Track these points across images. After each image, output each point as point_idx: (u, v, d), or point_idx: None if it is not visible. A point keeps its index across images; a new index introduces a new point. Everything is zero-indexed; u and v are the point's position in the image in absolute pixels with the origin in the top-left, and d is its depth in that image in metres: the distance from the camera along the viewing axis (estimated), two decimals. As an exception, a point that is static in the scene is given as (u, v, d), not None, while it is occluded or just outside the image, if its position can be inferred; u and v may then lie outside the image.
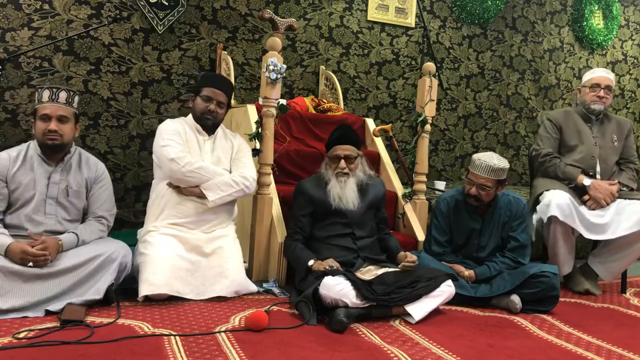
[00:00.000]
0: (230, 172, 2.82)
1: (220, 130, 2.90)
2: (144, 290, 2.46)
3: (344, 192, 2.72)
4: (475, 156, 2.85)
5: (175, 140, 2.71)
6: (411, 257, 2.67)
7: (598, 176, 3.23)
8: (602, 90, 3.27)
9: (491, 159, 2.79)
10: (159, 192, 2.75)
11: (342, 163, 2.74)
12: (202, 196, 2.69)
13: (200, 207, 2.71)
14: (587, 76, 3.37)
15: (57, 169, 2.49)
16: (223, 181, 2.72)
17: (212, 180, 2.69)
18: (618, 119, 3.42)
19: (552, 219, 2.98)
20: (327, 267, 2.49)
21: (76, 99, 2.54)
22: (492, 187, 2.81)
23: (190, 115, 2.88)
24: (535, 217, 3.15)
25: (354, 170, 2.77)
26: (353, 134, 2.84)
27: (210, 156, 2.81)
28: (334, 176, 2.75)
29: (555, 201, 2.97)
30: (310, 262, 2.58)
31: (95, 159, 2.67)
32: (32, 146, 2.52)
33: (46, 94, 2.45)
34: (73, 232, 2.43)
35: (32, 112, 2.54)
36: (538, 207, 3.08)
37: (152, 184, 2.84)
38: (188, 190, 2.70)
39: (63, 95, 2.47)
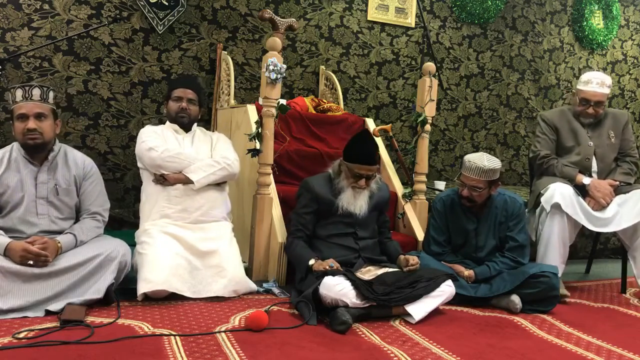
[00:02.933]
0: None
1: (197, 129, 3.01)
2: (143, 288, 2.47)
3: (357, 201, 2.72)
4: (466, 157, 2.84)
5: (153, 137, 2.82)
6: (412, 259, 2.66)
7: (595, 175, 3.22)
8: (591, 107, 3.18)
9: (481, 160, 2.77)
10: (148, 192, 2.82)
11: (363, 182, 2.70)
12: (187, 182, 2.75)
13: (187, 192, 2.75)
14: (581, 85, 3.21)
15: (43, 169, 2.47)
16: (204, 163, 2.81)
17: (193, 165, 2.77)
18: (614, 112, 3.35)
19: (554, 208, 2.95)
20: (328, 267, 2.49)
21: (51, 94, 2.48)
22: (484, 188, 2.80)
23: (167, 122, 2.98)
24: (538, 212, 3.11)
25: (370, 185, 2.77)
26: (377, 152, 2.76)
27: (190, 149, 2.89)
28: (349, 187, 2.72)
29: (560, 190, 2.96)
30: (311, 262, 2.58)
31: (82, 155, 2.64)
32: (16, 147, 2.48)
33: (19, 93, 2.41)
34: (70, 233, 2.43)
35: (9, 114, 2.49)
36: (542, 199, 3.03)
37: (142, 187, 2.89)
38: (173, 177, 2.74)
39: (37, 92, 2.42)
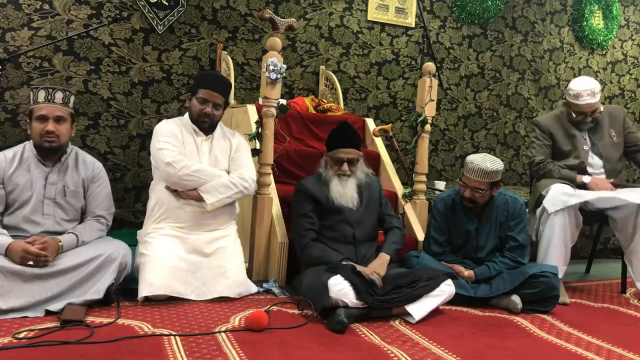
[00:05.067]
0: (228, 172, 2.79)
1: (218, 129, 2.85)
2: (144, 291, 2.46)
3: (345, 191, 2.72)
4: (469, 159, 2.83)
5: (172, 143, 2.68)
6: (373, 272, 2.59)
7: (603, 177, 3.20)
8: (589, 117, 3.17)
9: (484, 162, 2.76)
10: (159, 196, 2.73)
11: (345, 166, 2.72)
12: (200, 199, 2.66)
13: (199, 211, 2.68)
14: (572, 99, 3.16)
15: (54, 170, 2.48)
16: (221, 183, 2.69)
17: (210, 183, 2.66)
18: (609, 110, 3.31)
19: (556, 209, 2.94)
20: (372, 278, 2.49)
21: (72, 98, 2.52)
22: (486, 189, 2.80)
23: (187, 115, 2.83)
24: (538, 213, 3.09)
25: (355, 172, 2.77)
26: (355, 136, 2.82)
27: (207, 157, 2.77)
28: (335, 176, 2.75)
29: (562, 191, 2.96)
30: (344, 264, 2.57)
31: (91, 158, 2.65)
32: (28, 147, 2.49)
33: (42, 95, 2.42)
34: (72, 233, 2.43)
35: (27, 113, 2.51)
36: (544, 200, 3.01)
37: (151, 184, 2.82)
38: (186, 193, 2.66)
39: (59, 95, 2.44)
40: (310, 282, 2.49)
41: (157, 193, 2.74)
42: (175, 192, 2.68)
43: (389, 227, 2.90)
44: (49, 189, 2.46)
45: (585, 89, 3.12)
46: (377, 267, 2.62)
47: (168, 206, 2.69)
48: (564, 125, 3.27)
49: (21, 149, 2.50)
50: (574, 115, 3.19)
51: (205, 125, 2.77)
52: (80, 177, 2.54)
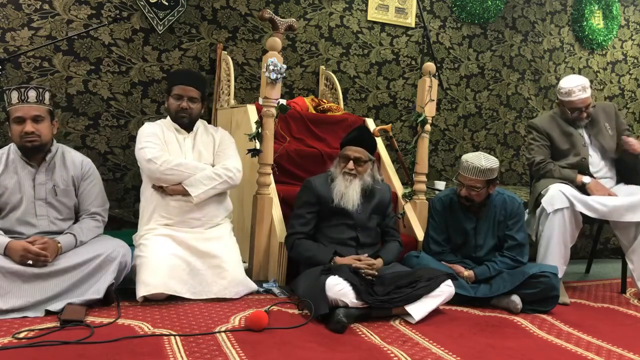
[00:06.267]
0: (213, 166, 2.80)
1: (200, 126, 2.89)
2: (141, 291, 2.47)
3: (347, 191, 2.72)
4: (464, 157, 2.84)
5: (153, 142, 2.71)
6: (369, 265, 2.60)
7: (605, 171, 3.23)
8: (584, 112, 3.21)
9: (479, 160, 2.77)
10: (147, 196, 2.76)
11: (351, 164, 2.74)
12: (186, 193, 2.67)
13: (185, 205, 2.70)
14: (565, 96, 3.21)
15: (41, 170, 2.46)
16: (205, 175, 2.70)
17: (193, 176, 2.68)
18: (602, 106, 3.36)
19: (555, 209, 2.94)
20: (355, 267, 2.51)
21: (47, 95, 2.46)
22: (482, 187, 2.81)
23: (168, 117, 2.88)
24: (538, 213, 3.10)
25: (361, 173, 2.76)
26: (368, 137, 2.83)
27: (191, 153, 2.80)
28: (341, 174, 2.75)
29: (561, 190, 2.96)
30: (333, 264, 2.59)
31: (80, 155, 2.62)
32: (13, 149, 2.47)
33: (15, 96, 2.38)
34: (70, 233, 2.42)
35: (6, 116, 2.47)
36: (543, 200, 3.02)
37: (141, 188, 2.84)
38: (171, 189, 2.68)
39: (32, 94, 2.39)
40: (307, 288, 2.49)
41: (146, 195, 2.77)
42: (161, 189, 2.70)
43: (391, 239, 2.91)
44: (39, 190, 2.44)
45: (576, 84, 3.20)
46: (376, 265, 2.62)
47: (156, 204, 2.71)
48: (560, 125, 3.29)
49: (6, 152, 2.47)
50: (570, 113, 3.23)
51: (185, 120, 2.80)
52: (69, 175, 2.52)
